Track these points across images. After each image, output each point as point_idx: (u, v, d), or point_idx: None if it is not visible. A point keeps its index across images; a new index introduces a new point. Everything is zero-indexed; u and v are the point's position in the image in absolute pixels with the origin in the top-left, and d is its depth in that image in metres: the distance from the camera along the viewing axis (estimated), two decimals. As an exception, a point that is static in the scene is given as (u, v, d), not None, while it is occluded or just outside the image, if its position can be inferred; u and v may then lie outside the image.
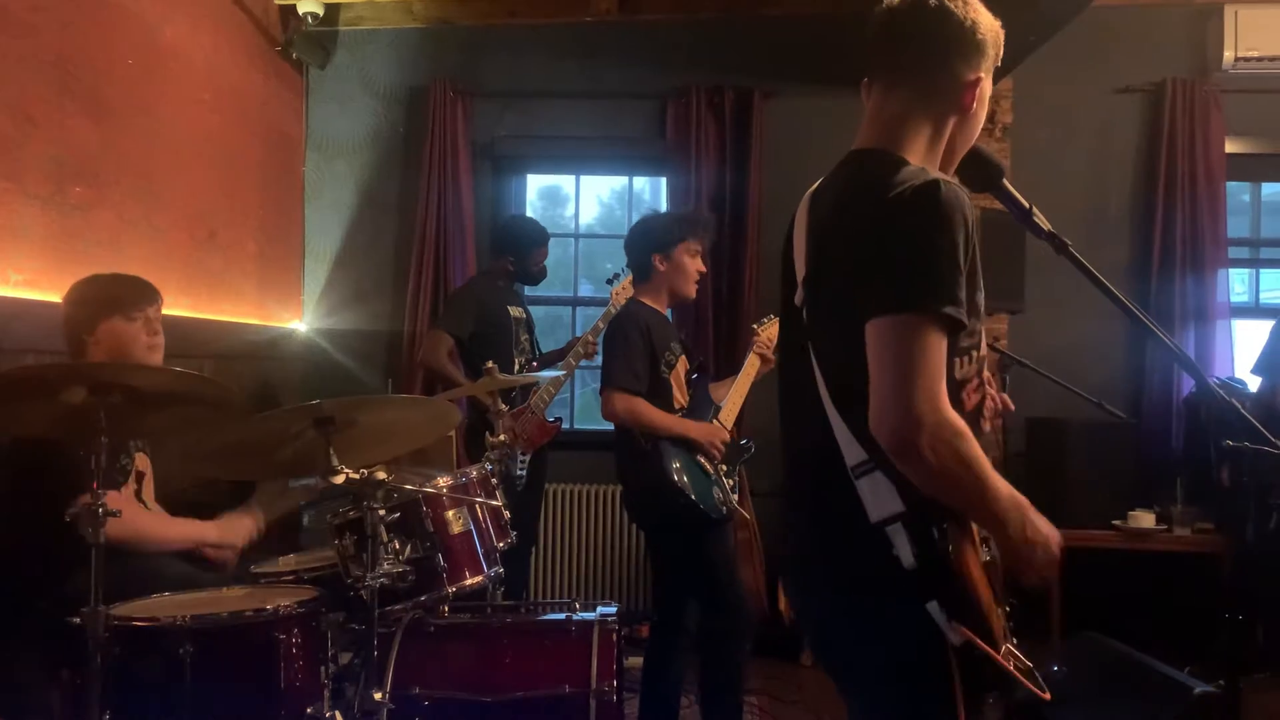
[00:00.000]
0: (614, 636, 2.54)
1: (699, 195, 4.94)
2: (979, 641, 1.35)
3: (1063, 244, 1.55)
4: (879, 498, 1.38)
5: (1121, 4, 4.90)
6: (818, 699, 3.90)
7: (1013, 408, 1.71)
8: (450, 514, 2.56)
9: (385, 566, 2.29)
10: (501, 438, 3.01)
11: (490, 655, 2.56)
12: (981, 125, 1.60)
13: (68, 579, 2.28)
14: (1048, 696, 1.44)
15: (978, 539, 1.43)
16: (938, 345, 1.33)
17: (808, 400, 1.48)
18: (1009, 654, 1.42)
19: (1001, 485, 1.38)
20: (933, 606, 1.35)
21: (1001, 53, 1.58)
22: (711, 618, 3.09)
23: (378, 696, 2.26)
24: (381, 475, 2.26)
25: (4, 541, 2.49)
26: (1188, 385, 4.79)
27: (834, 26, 4.50)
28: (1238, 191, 5.23)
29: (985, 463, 1.36)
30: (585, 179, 5.56)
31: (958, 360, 1.44)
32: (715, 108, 5.01)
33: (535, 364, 4.28)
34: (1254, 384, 4.08)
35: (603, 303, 4.10)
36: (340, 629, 2.40)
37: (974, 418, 1.48)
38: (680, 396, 3.18)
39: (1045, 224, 1.56)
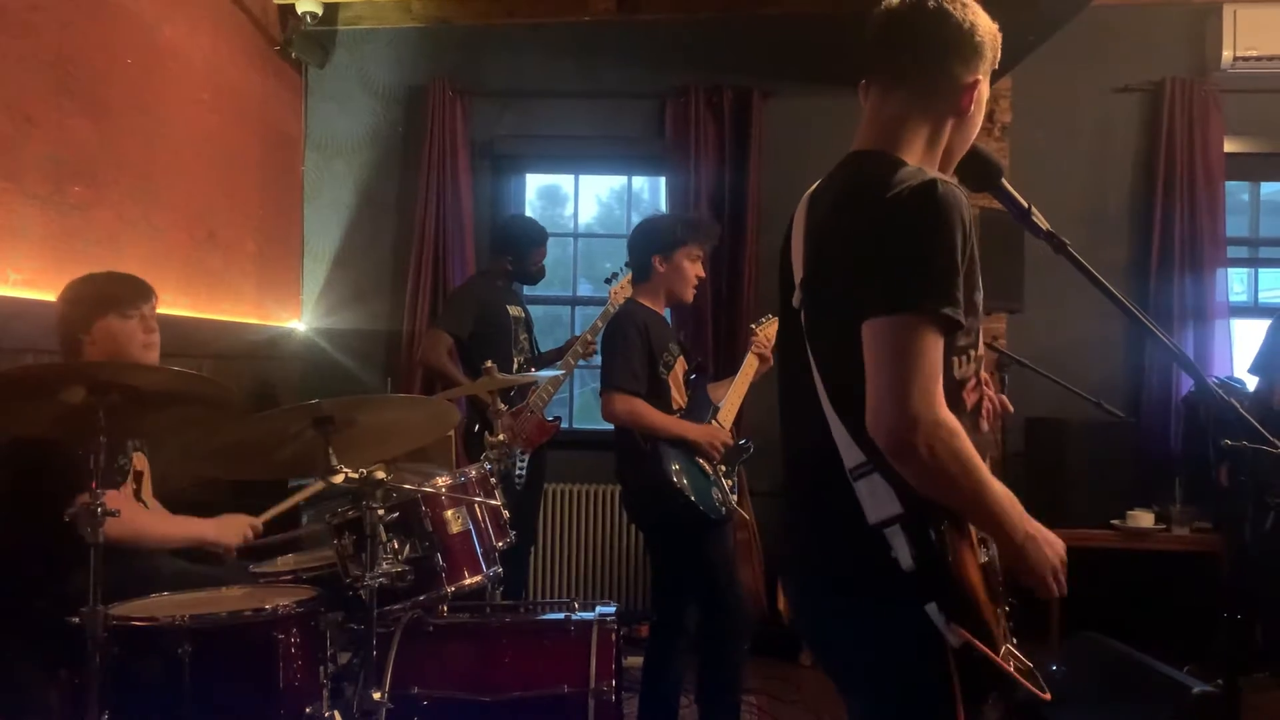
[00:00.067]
0: (613, 636, 2.54)
1: (698, 195, 4.94)
2: (977, 643, 1.35)
3: (1061, 243, 1.56)
4: (877, 500, 1.38)
5: (1120, 4, 4.90)
6: (817, 699, 3.90)
7: (1011, 410, 1.71)
8: (449, 513, 2.56)
9: (384, 566, 2.28)
10: (501, 437, 3.01)
11: (489, 655, 2.55)
12: (979, 127, 1.60)
13: (67, 579, 2.28)
14: (1048, 696, 1.44)
15: (976, 540, 1.43)
16: (935, 345, 1.33)
17: (806, 402, 1.48)
18: (1008, 654, 1.42)
19: (997, 485, 1.38)
20: (931, 608, 1.35)
21: (999, 55, 1.58)
22: (710, 618, 3.09)
23: (376, 696, 2.26)
24: (380, 475, 2.26)
25: (3, 541, 2.48)
26: (1186, 385, 4.79)
27: (833, 26, 4.49)
28: (1236, 191, 5.23)
29: (981, 463, 1.36)
30: (584, 178, 5.56)
31: (956, 360, 1.44)
32: (714, 107, 5.01)
33: (533, 367, 4.28)
34: (1252, 384, 4.08)
35: (601, 302, 4.10)
36: (339, 629, 2.40)
37: (973, 417, 1.48)
38: (678, 397, 3.18)
39: (1044, 223, 1.56)
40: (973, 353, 1.49)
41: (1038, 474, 4.46)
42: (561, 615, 2.65)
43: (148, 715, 2.08)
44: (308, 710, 2.20)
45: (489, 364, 3.11)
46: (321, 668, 2.28)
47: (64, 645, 2.08)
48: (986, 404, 1.56)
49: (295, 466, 2.55)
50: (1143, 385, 4.90)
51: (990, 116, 4.86)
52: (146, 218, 3.69)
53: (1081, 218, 4.92)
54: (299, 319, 5.19)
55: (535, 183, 5.65)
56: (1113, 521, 4.41)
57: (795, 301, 1.54)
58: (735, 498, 3.18)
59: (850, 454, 1.41)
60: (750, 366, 3.31)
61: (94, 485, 2.00)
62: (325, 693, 2.28)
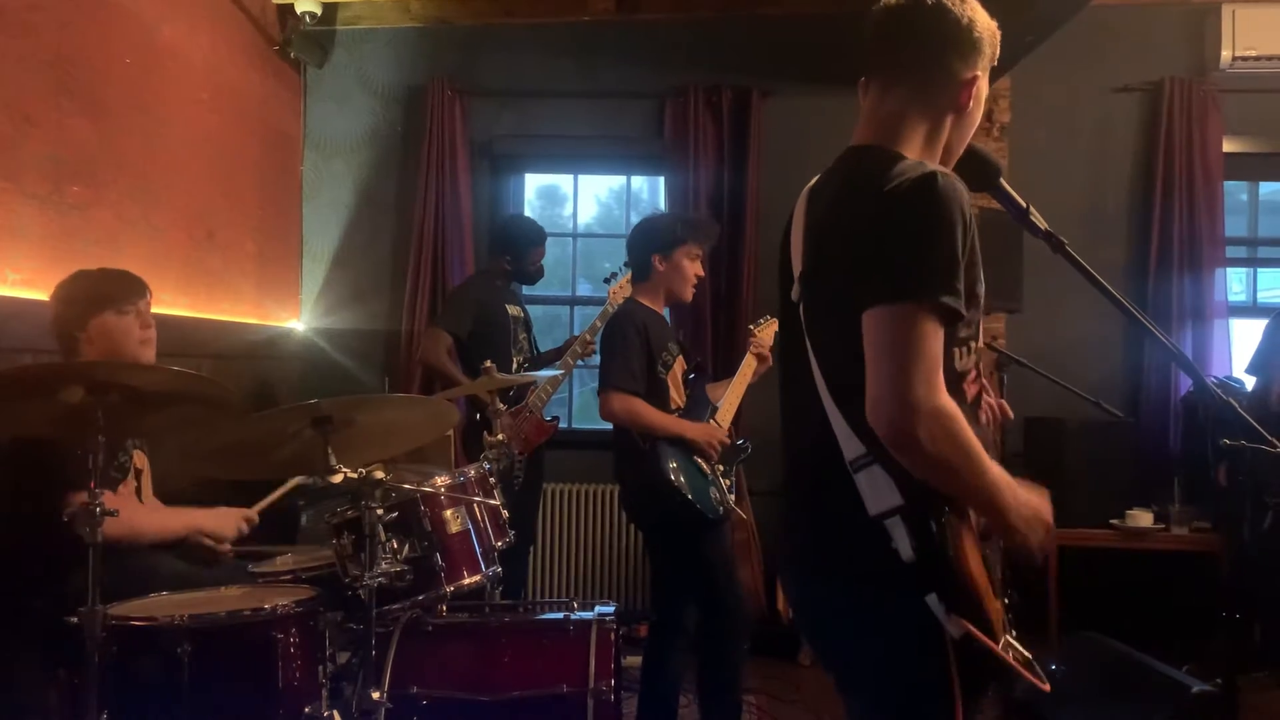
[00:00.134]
0: (612, 636, 2.54)
1: (697, 195, 4.94)
2: (977, 633, 1.35)
3: (1060, 243, 1.56)
4: (877, 491, 1.39)
5: (1119, 3, 4.91)
6: (816, 698, 3.91)
7: (1011, 415, 1.71)
8: (448, 513, 2.56)
9: (383, 566, 2.28)
10: (500, 437, 3.01)
11: (488, 655, 2.55)
12: (978, 124, 1.60)
13: (66, 578, 2.28)
14: (1047, 688, 1.45)
15: (977, 531, 1.43)
16: (935, 335, 1.34)
17: (806, 396, 1.49)
18: (1008, 646, 1.42)
19: (996, 470, 1.39)
20: (931, 599, 1.36)
21: (998, 51, 1.59)
22: (710, 617, 3.09)
23: (375, 696, 2.26)
24: (379, 474, 2.26)
25: (2, 541, 2.48)
26: (1185, 384, 4.79)
27: (832, 26, 4.50)
28: (1235, 191, 5.23)
29: (981, 450, 1.37)
30: (583, 178, 5.55)
31: (957, 351, 1.44)
32: (713, 107, 5.01)
33: (532, 367, 4.28)
34: (1250, 383, 4.08)
35: (600, 302, 4.10)
36: (338, 628, 2.39)
37: (973, 410, 1.49)
38: (677, 397, 3.18)
39: (1042, 223, 1.57)
40: (973, 344, 1.49)
41: (1037, 474, 4.37)
42: (560, 615, 2.65)
43: (147, 715, 2.08)
44: (307, 710, 2.20)
45: (488, 364, 3.11)
46: (320, 667, 2.28)
47: (63, 645, 2.08)
48: (985, 412, 1.57)
49: (294, 466, 2.55)
50: (1142, 385, 4.90)
51: (989, 116, 4.87)
52: (145, 217, 3.69)
53: (1080, 217, 4.92)
54: (298, 319, 5.19)
55: (534, 182, 5.65)
56: (1112, 521, 4.41)
57: (794, 295, 1.54)
58: (733, 497, 3.18)
59: (850, 446, 1.41)
60: (749, 367, 3.32)
61: (92, 485, 2.00)
62: (324, 692, 2.28)
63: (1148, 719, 2.91)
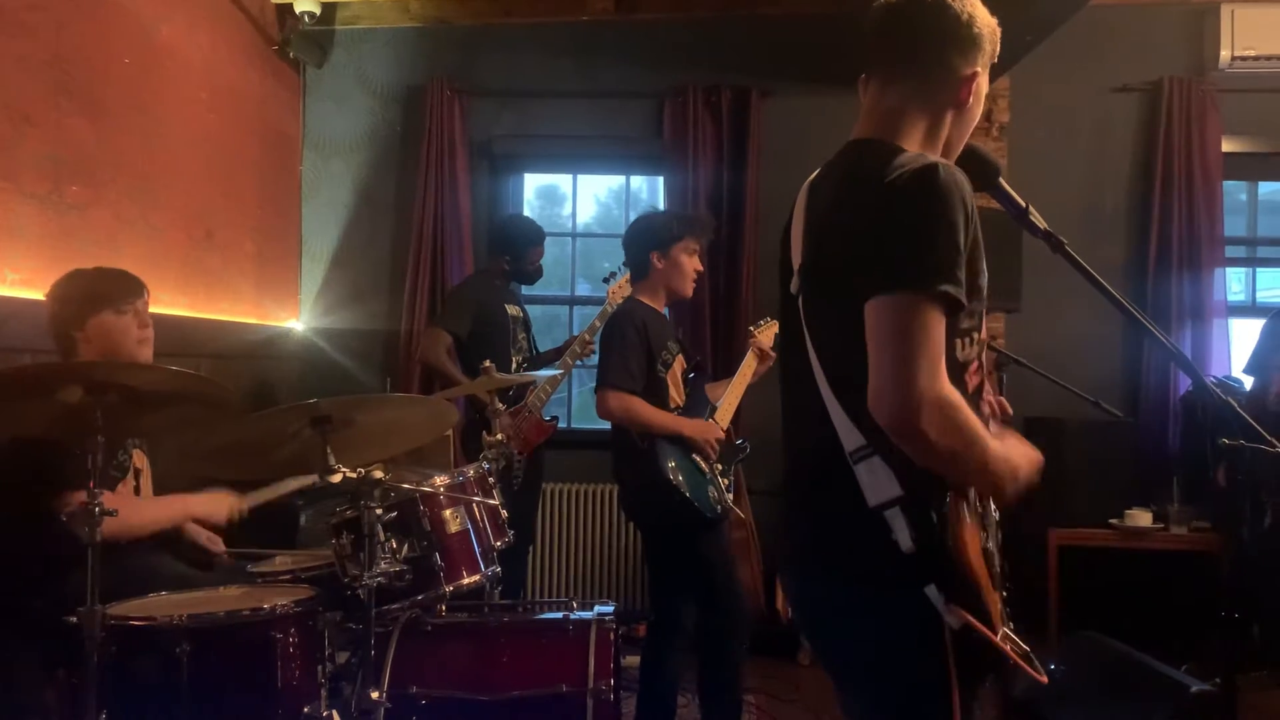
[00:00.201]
0: (611, 635, 2.54)
1: (696, 194, 4.94)
2: (976, 624, 1.35)
3: (1059, 243, 1.56)
4: (877, 482, 1.39)
5: (1119, 3, 4.91)
6: (816, 698, 3.91)
7: (1011, 412, 1.71)
8: (447, 513, 2.56)
9: (382, 565, 2.28)
10: (499, 436, 3.01)
11: (487, 654, 2.55)
12: (977, 121, 1.61)
13: (65, 578, 2.28)
14: (1044, 679, 1.45)
15: (978, 524, 1.43)
16: (936, 324, 1.34)
17: (807, 391, 1.49)
18: (1006, 638, 1.43)
19: (995, 450, 1.40)
20: (931, 590, 1.36)
21: (998, 49, 1.59)
22: (709, 617, 3.09)
23: (375, 696, 2.26)
24: (379, 474, 2.26)
25: (1, 541, 2.48)
26: (1184, 384, 4.79)
27: (831, 26, 4.50)
28: (1234, 190, 5.23)
29: (983, 433, 1.38)
30: (582, 178, 5.55)
31: (959, 342, 1.44)
32: (712, 107, 5.01)
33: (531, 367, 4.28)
34: (1248, 384, 4.09)
35: (600, 302, 4.10)
36: (337, 628, 2.39)
37: (974, 400, 1.49)
38: (676, 395, 3.18)
39: (1042, 223, 1.57)
40: (976, 335, 1.49)
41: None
42: (560, 615, 2.65)
43: (145, 715, 2.08)
44: (306, 710, 2.20)
45: (487, 363, 3.11)
46: (319, 667, 2.28)
47: (62, 645, 2.07)
48: (986, 405, 1.57)
49: (293, 466, 2.55)
50: (1141, 385, 4.90)
51: (988, 116, 4.87)
52: (144, 217, 3.69)
53: (1079, 217, 4.92)
54: (297, 319, 5.19)
55: (533, 182, 5.65)
56: (1111, 521, 4.41)
57: (793, 287, 1.54)
58: (731, 496, 3.18)
59: (850, 438, 1.42)
60: (749, 367, 3.31)
61: (91, 485, 2.00)
62: (323, 692, 2.28)
63: (1147, 718, 2.91)
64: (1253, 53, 4.77)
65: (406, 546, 2.43)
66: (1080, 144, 5.04)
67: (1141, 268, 4.94)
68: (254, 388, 4.68)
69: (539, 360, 4.31)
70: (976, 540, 1.41)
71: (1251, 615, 3.64)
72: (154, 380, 2.13)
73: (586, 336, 4.05)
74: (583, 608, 2.69)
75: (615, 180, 5.81)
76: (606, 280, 4.02)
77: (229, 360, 4.35)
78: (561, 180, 5.69)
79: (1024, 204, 1.55)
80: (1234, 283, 5.21)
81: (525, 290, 4.82)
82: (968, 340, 1.47)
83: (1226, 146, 4.91)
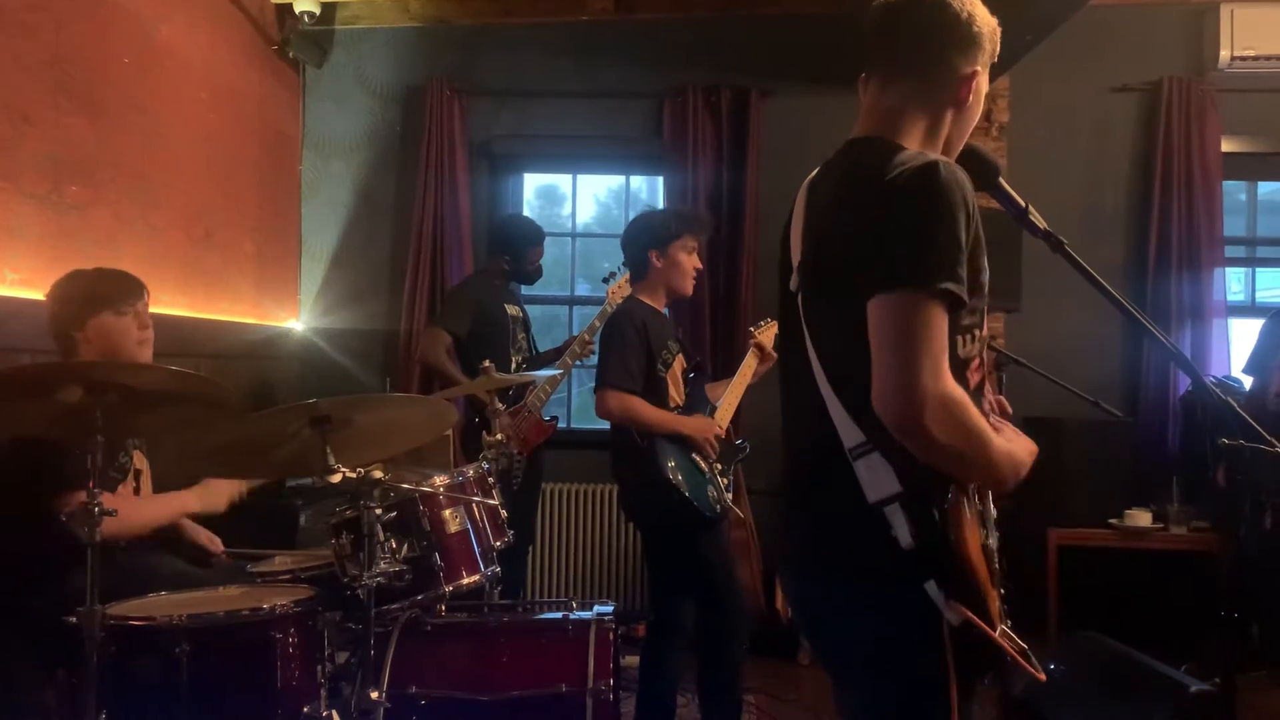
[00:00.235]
0: (611, 635, 2.54)
1: (696, 194, 4.94)
2: (976, 619, 1.35)
3: (1059, 242, 1.56)
4: (876, 479, 1.39)
5: (1118, 3, 4.91)
6: (815, 698, 3.91)
7: (1010, 411, 1.71)
8: (447, 513, 2.56)
9: (382, 565, 2.28)
10: (498, 436, 3.01)
11: (487, 654, 2.55)
12: (977, 120, 1.61)
13: (64, 578, 2.28)
14: (1042, 677, 1.45)
15: (977, 520, 1.43)
16: (939, 322, 1.34)
17: (806, 388, 1.49)
18: (1004, 635, 1.43)
19: (999, 446, 1.41)
20: (930, 586, 1.36)
21: (998, 48, 1.59)
22: (708, 616, 3.09)
23: (374, 696, 2.26)
24: (378, 474, 2.25)
25: (1, 541, 2.48)
26: (1184, 384, 4.79)
27: (831, 26, 4.51)
28: (1234, 190, 5.23)
29: (987, 429, 1.39)
30: (582, 178, 5.55)
31: (960, 338, 1.44)
32: (712, 107, 5.01)
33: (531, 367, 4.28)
34: (1247, 384, 4.09)
35: (599, 302, 4.10)
36: (337, 628, 2.39)
37: (975, 397, 1.49)
38: (676, 395, 3.17)
39: (1041, 222, 1.57)
40: (977, 332, 1.50)
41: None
42: (559, 614, 2.65)
43: (145, 715, 2.08)
44: (305, 710, 2.20)
45: (487, 363, 3.11)
46: (319, 667, 2.28)
47: (61, 645, 2.07)
48: (986, 403, 1.57)
49: (293, 466, 2.55)
50: (1140, 385, 4.90)
51: (988, 116, 4.87)
52: (144, 217, 3.69)
53: (1079, 217, 4.93)
54: (296, 319, 5.19)
55: (533, 182, 5.65)
56: (1110, 521, 4.41)
57: (792, 285, 1.54)
58: (730, 496, 3.18)
59: (850, 434, 1.42)
60: (749, 367, 3.31)
61: (91, 485, 2.00)
62: (323, 692, 2.28)
63: (1146, 718, 2.91)
64: (1252, 53, 4.77)
65: (406, 546, 2.43)
66: (1080, 144, 5.04)
67: (1141, 267, 4.94)
68: (254, 388, 4.68)
69: (538, 360, 4.31)
70: (977, 537, 1.41)
71: (1251, 615, 3.65)
72: (153, 380, 2.13)
73: (586, 336, 4.05)
74: (582, 608, 2.69)
75: (615, 180, 5.82)
76: (606, 280, 4.01)
77: (228, 360, 4.35)
78: (561, 180, 5.69)
79: (1023, 204, 1.56)
80: (1233, 283, 5.21)
81: (525, 290, 4.81)
82: (969, 337, 1.47)
83: (1226, 146, 4.91)
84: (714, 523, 3.05)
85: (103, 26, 3.44)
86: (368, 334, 5.16)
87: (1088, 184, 5.04)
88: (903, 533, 1.37)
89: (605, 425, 3.16)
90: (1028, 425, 4.46)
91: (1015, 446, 1.47)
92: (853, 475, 1.41)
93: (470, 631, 2.63)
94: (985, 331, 1.54)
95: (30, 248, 3.06)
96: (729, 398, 3.25)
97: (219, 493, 2.73)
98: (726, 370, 3.47)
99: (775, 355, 3.18)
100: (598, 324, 3.92)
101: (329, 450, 2.21)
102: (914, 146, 1.51)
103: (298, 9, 4.65)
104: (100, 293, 2.59)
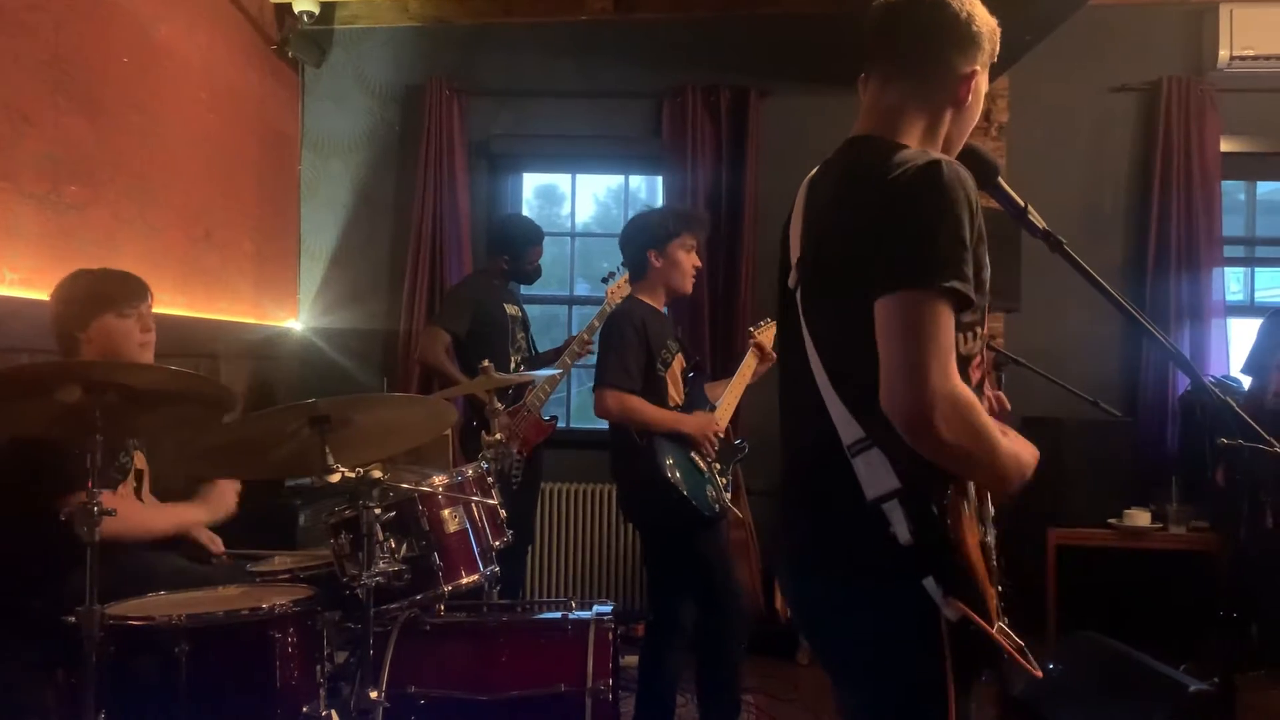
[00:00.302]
0: (610, 635, 2.53)
1: (695, 194, 4.94)
2: (973, 615, 1.35)
3: (1058, 242, 1.56)
4: (875, 475, 1.39)
5: (1117, 3, 4.91)
6: (815, 697, 3.91)
7: (1009, 408, 1.71)
8: (446, 513, 2.56)
9: (381, 565, 2.28)
10: (498, 436, 3.01)
11: (486, 654, 2.55)
12: (976, 119, 1.61)
13: (63, 578, 2.27)
14: (1039, 673, 1.45)
15: (975, 517, 1.43)
16: (946, 320, 1.34)
17: (805, 386, 1.49)
18: (1002, 631, 1.43)
19: (1005, 446, 1.40)
20: (929, 582, 1.36)
21: (998, 48, 1.59)
22: (708, 617, 3.09)
23: (373, 695, 2.26)
24: (377, 474, 2.25)
25: (0, 541, 2.48)
26: (1183, 384, 4.79)
27: (830, 26, 4.51)
28: (1233, 190, 5.23)
29: (994, 429, 1.38)
30: (581, 178, 5.55)
31: (961, 336, 1.45)
32: (711, 107, 5.01)
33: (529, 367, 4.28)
34: (1246, 383, 4.09)
35: (599, 301, 4.10)
36: (336, 628, 2.39)
37: (976, 393, 1.49)
38: (676, 394, 3.18)
39: (1040, 222, 1.57)
40: (979, 330, 1.50)
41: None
42: (558, 614, 2.65)
43: (144, 714, 2.08)
44: (304, 709, 2.20)
45: (486, 363, 3.11)
46: (318, 667, 2.28)
47: (60, 644, 2.07)
48: (986, 400, 1.57)
49: (292, 466, 2.54)
50: (1139, 384, 4.90)
51: (987, 116, 4.87)
52: (143, 217, 3.69)
53: (1078, 217, 4.93)
54: (296, 318, 5.19)
55: (532, 182, 5.65)
56: (1109, 520, 4.41)
57: (791, 282, 1.54)
58: (729, 496, 3.18)
59: (848, 431, 1.42)
60: (748, 367, 3.31)
61: (90, 484, 2.00)
62: (322, 692, 2.28)
63: (1146, 718, 2.91)
64: (1251, 52, 4.77)
65: (405, 546, 2.43)
66: (1079, 144, 5.04)
67: (1140, 267, 4.94)
68: (253, 387, 4.68)
69: (538, 360, 4.31)
70: (975, 534, 1.41)
71: (1250, 615, 3.65)
72: (153, 380, 2.13)
73: (585, 336, 4.05)
74: (581, 607, 2.69)
75: (614, 180, 5.82)
76: (605, 280, 4.02)
77: (228, 360, 4.35)
78: (560, 180, 5.69)
79: (1023, 203, 1.56)
80: (1232, 282, 5.21)
81: (524, 290, 4.81)
82: (970, 335, 1.47)
83: (1225, 146, 4.91)
84: (713, 522, 3.05)
85: (102, 26, 3.44)
86: (367, 334, 5.16)
87: (1087, 184, 5.04)
88: (901, 529, 1.37)
89: (604, 425, 3.16)
90: (1027, 425, 4.53)
91: (1022, 451, 1.47)
92: (851, 472, 1.41)
93: (469, 631, 2.63)
94: (985, 330, 1.54)
95: (29, 247, 3.06)
96: (728, 397, 3.25)
97: (226, 498, 2.74)
98: (726, 370, 3.47)
99: (775, 355, 3.19)
100: (597, 324, 3.92)
101: (328, 450, 2.21)
102: (914, 145, 1.51)
103: (297, 9, 4.65)
104: (104, 294, 2.59)
